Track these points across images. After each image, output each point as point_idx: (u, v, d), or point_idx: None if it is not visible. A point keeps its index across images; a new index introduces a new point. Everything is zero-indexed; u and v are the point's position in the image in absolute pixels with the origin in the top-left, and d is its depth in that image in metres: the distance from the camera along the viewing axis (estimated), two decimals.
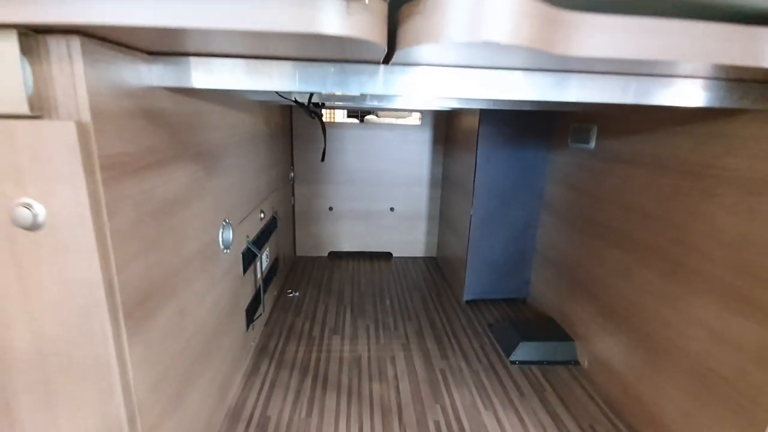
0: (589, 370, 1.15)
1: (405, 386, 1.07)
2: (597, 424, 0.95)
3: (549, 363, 1.20)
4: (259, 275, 1.21)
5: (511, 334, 1.26)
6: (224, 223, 0.89)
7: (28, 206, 0.44)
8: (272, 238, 1.41)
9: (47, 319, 0.47)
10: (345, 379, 1.09)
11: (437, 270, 1.90)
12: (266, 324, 1.36)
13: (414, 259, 2.03)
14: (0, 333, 0.47)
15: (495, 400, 1.03)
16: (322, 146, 1.85)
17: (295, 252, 2.00)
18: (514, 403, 1.02)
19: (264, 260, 1.29)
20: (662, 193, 0.89)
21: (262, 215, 1.27)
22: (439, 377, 1.12)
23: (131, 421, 0.52)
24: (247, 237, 1.09)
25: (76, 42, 0.42)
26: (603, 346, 1.08)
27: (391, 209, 1.97)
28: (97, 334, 0.48)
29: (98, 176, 0.46)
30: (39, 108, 0.43)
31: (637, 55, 0.44)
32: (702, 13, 0.53)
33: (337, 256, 2.02)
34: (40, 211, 0.44)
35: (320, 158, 1.89)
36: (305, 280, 1.73)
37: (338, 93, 0.58)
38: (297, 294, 1.59)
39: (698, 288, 0.79)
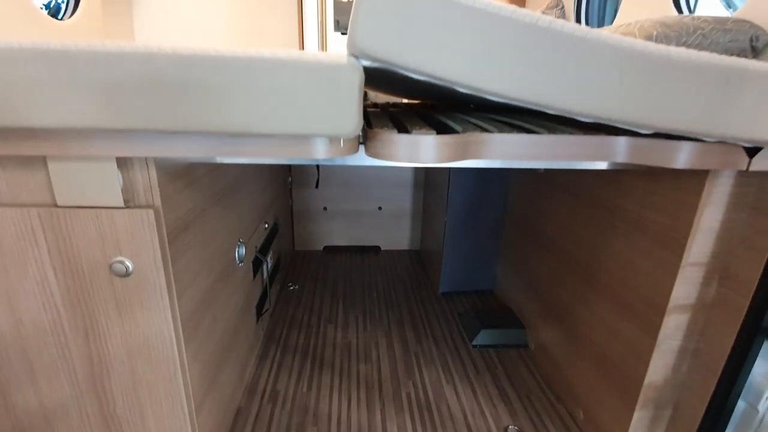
0: (534, 352, 1.42)
1: (385, 366, 1.34)
2: (532, 395, 1.23)
3: (504, 346, 1.47)
4: (265, 275, 1.46)
5: (475, 322, 1.52)
6: (239, 242, 1.13)
7: (122, 262, 0.67)
8: (275, 242, 1.65)
9: (135, 331, 0.71)
10: (337, 361, 1.36)
11: (419, 262, 2.15)
12: (272, 315, 1.62)
13: (399, 252, 2.28)
14: (102, 341, 0.72)
15: (456, 377, 1.30)
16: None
17: (293, 246, 2.24)
18: (471, 379, 1.29)
19: (269, 263, 1.53)
20: (584, 218, 1.13)
21: (266, 225, 1.50)
22: (413, 359, 1.38)
23: (188, 397, 0.77)
24: (256, 247, 1.33)
25: (151, 158, 0.64)
26: (545, 335, 1.35)
27: (379, 208, 2.21)
28: (166, 339, 0.72)
29: (165, 238, 0.69)
30: (128, 200, 0.66)
31: (527, 159, 0.67)
32: (566, 124, 0.76)
33: (331, 250, 2.27)
34: (130, 265, 0.67)
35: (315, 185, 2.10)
36: (303, 274, 1.98)
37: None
38: (296, 287, 1.84)
39: (603, 295, 1.04)
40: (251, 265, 1.27)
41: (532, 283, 1.44)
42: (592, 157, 0.69)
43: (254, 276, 1.31)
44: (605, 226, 1.04)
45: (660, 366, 0.88)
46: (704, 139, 0.62)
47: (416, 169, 2.14)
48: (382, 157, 0.62)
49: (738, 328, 0.79)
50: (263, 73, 0.52)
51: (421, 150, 0.61)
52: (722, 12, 1.46)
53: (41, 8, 1.44)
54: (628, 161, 0.69)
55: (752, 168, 0.67)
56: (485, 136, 0.66)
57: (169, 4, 1.96)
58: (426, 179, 2.10)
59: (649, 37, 0.88)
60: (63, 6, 1.56)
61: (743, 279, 0.78)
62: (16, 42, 0.50)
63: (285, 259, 1.95)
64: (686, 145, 0.65)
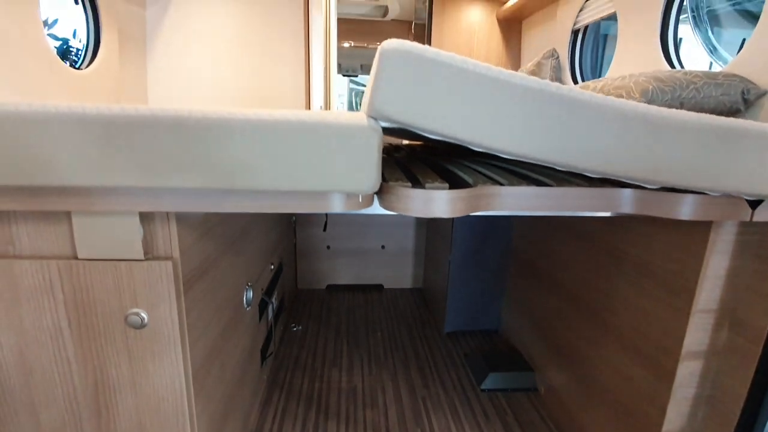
0: (544, 397, 1.39)
1: (392, 412, 1.31)
2: None
3: (513, 390, 1.44)
4: (270, 317, 1.45)
5: (483, 365, 1.50)
6: (247, 286, 1.13)
7: (137, 314, 0.67)
8: (279, 283, 1.64)
9: (145, 383, 0.71)
10: (343, 407, 1.32)
11: (422, 300, 2.13)
12: (275, 358, 1.59)
13: (402, 290, 2.27)
14: (112, 395, 0.71)
15: (465, 424, 1.26)
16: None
17: (296, 285, 2.23)
18: (481, 426, 1.25)
19: (274, 304, 1.52)
20: (589, 260, 1.14)
21: (272, 266, 1.50)
22: (421, 404, 1.35)
23: None
24: (262, 289, 1.32)
25: (173, 212, 0.66)
26: (554, 378, 1.32)
27: (382, 247, 2.21)
28: (177, 392, 0.71)
29: (181, 289, 0.69)
30: (148, 252, 0.67)
31: (535, 210, 0.69)
32: (575, 176, 0.79)
33: (334, 288, 2.26)
34: (145, 316, 0.68)
35: (322, 228, 2.12)
36: (306, 313, 1.96)
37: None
38: (300, 327, 1.82)
39: (613, 339, 1.04)
40: (257, 307, 1.27)
41: (538, 323, 1.43)
42: (598, 208, 0.71)
43: (260, 318, 1.30)
44: (611, 269, 1.05)
45: (676, 414, 0.87)
46: (708, 192, 0.65)
47: None
48: (397, 210, 0.64)
49: (752, 375, 0.79)
50: (288, 134, 0.55)
51: (435, 204, 0.63)
52: (705, 55, 1.54)
53: (53, 48, 1.50)
54: (634, 212, 0.71)
55: (755, 219, 0.69)
56: (496, 189, 0.68)
57: (181, 50, 2.05)
58: (429, 219, 2.13)
59: (645, 92, 0.92)
60: (82, 55, 1.63)
61: (753, 326, 0.78)
62: (52, 105, 0.53)
63: (288, 299, 1.94)
64: (690, 198, 0.67)
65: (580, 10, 1.82)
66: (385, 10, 3.71)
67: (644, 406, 0.92)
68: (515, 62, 2.22)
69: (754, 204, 0.69)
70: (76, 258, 0.66)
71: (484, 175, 0.76)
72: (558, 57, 1.83)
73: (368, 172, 0.57)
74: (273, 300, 1.50)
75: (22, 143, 0.53)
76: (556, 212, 0.72)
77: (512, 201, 0.69)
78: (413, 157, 1.07)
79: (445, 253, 1.77)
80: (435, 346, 1.71)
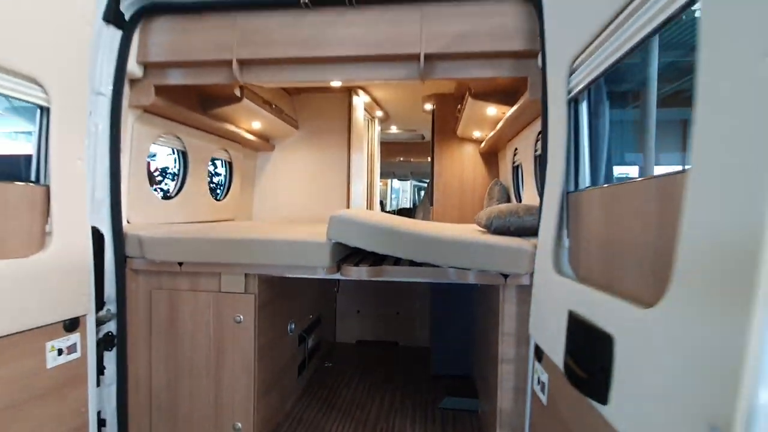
0: (480, 416, 2.01)
1: (379, 417, 2.04)
2: None
3: (461, 410, 2.07)
4: (307, 349, 2.32)
5: (443, 391, 2.17)
6: (291, 321, 2.05)
7: (239, 317, 1.62)
8: (317, 329, 2.53)
9: (238, 353, 1.64)
10: (349, 410, 2.09)
11: (426, 353, 2.84)
12: (310, 378, 2.42)
13: (411, 347, 2.99)
14: (222, 360, 1.65)
15: (420, 426, 1.94)
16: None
17: (335, 338, 3.08)
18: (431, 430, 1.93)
19: (309, 341, 2.40)
20: (479, 319, 1.88)
21: (311, 317, 2.42)
22: (394, 412, 2.06)
23: (255, 386, 1.64)
24: (302, 328, 2.23)
25: (254, 273, 1.65)
26: (483, 403, 1.97)
27: (397, 313, 3.02)
28: (249, 356, 1.62)
29: (257, 307, 1.64)
30: (245, 290, 1.65)
31: (412, 277, 1.56)
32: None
33: (362, 342, 3.07)
34: (242, 317, 1.63)
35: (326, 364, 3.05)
36: (338, 359, 2.78)
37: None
38: (331, 364, 2.64)
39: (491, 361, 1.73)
40: (297, 338, 2.16)
41: (478, 365, 2.10)
42: (440, 277, 1.55)
43: (299, 345, 2.19)
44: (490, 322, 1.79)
45: (504, 399, 1.54)
46: (482, 270, 1.45)
47: (422, 284, 2.99)
48: (345, 275, 1.56)
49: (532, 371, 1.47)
50: (285, 246, 1.52)
51: (360, 273, 1.53)
52: None
53: (156, 192, 2.75)
54: (456, 280, 1.53)
55: (508, 283, 1.47)
56: (390, 267, 1.56)
57: (273, 182, 3.25)
58: (432, 293, 2.92)
59: (490, 217, 1.74)
60: (222, 192, 2.90)
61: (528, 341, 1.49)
62: (213, 231, 1.58)
63: (326, 346, 2.80)
64: (473, 273, 1.48)
65: (514, 155, 2.70)
66: (422, 136, 4.99)
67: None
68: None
69: (506, 276, 1.47)
70: (220, 291, 1.65)
71: (392, 258, 1.65)
72: (501, 184, 2.70)
73: (329, 260, 1.51)
74: (310, 339, 2.38)
75: (203, 248, 1.58)
76: (422, 279, 1.57)
77: (399, 273, 1.56)
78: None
79: (426, 315, 2.54)
80: (421, 379, 2.41)
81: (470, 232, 1.67)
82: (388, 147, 5.24)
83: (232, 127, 2.57)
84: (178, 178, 2.46)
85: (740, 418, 0.43)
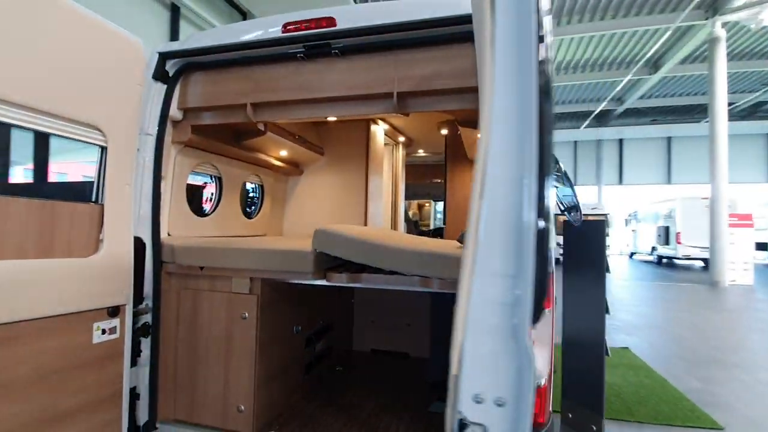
0: None
1: (373, 414, 2.24)
2: None
3: None
4: (315, 351, 2.60)
5: (434, 395, 2.32)
6: (296, 323, 2.34)
7: (244, 313, 1.95)
8: (327, 335, 2.80)
9: (243, 339, 1.96)
10: (347, 402, 2.32)
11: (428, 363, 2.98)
12: (320, 379, 2.68)
13: (418, 358, 3.15)
14: (236, 345, 1.98)
15: (412, 426, 2.12)
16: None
17: (352, 346, 3.33)
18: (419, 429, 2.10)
19: (317, 345, 2.66)
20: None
21: (321, 322, 2.70)
22: (392, 414, 2.25)
23: (256, 370, 1.94)
24: (309, 330, 2.51)
25: (258, 277, 1.97)
26: None
27: (408, 324, 3.21)
28: (251, 345, 1.94)
29: (260, 306, 1.96)
30: (250, 291, 1.98)
31: (379, 284, 1.79)
32: None
33: (375, 351, 3.28)
34: (247, 314, 1.95)
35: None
36: (354, 366, 3.02)
37: None
38: (342, 369, 2.89)
39: None
40: (305, 340, 2.45)
41: None
42: (407, 285, 1.77)
43: (306, 347, 2.47)
44: None
45: None
46: (442, 278, 1.66)
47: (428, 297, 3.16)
48: (329, 280, 1.83)
49: None
50: (293, 256, 1.82)
51: (343, 279, 1.80)
52: None
53: (246, 211, 3.19)
54: (420, 288, 1.74)
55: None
56: (367, 275, 1.81)
57: (301, 202, 3.64)
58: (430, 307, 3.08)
59: (462, 231, 1.93)
60: (255, 210, 3.34)
61: None
62: (227, 242, 1.93)
63: (340, 352, 3.05)
64: (436, 280, 1.68)
65: None
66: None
67: None
68: None
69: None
70: (231, 292, 1.99)
71: (372, 268, 1.89)
72: None
73: (313, 267, 1.80)
74: (319, 343, 2.66)
75: (218, 256, 1.94)
76: (391, 287, 1.80)
77: (374, 280, 1.80)
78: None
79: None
80: (420, 386, 2.57)
81: (446, 246, 1.87)
82: (420, 169, 5.51)
83: (262, 156, 3.00)
84: (214, 199, 2.92)
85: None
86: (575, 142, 21.79)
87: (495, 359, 0.62)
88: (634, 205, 19.47)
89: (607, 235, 15.54)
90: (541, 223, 0.65)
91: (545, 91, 0.65)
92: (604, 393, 2.96)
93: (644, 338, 5.58)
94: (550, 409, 1.57)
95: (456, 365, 0.62)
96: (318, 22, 1.84)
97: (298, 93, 1.99)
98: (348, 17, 1.82)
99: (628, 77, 12.92)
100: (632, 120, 18.66)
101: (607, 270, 3.11)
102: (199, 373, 2.02)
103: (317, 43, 1.87)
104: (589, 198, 20.29)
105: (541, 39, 0.64)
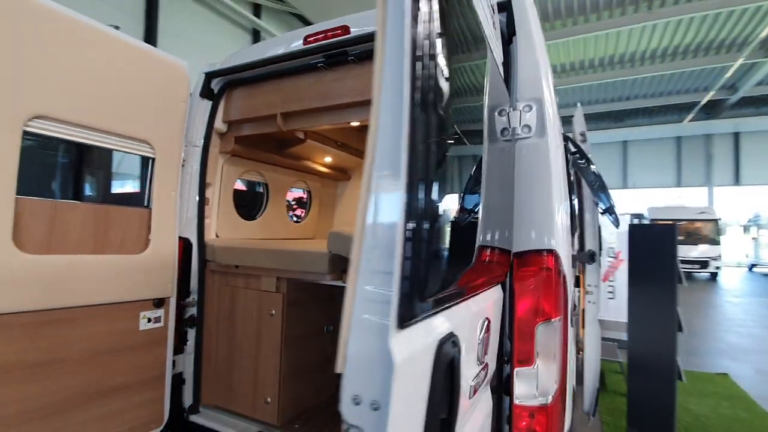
0: None
1: None
2: None
3: None
4: None
5: None
6: (327, 322, 2.41)
7: (272, 310, 2.07)
8: None
9: (270, 335, 2.08)
10: None
11: None
12: None
13: None
14: (264, 341, 2.11)
15: None
16: None
17: None
18: None
19: None
20: None
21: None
22: None
23: (280, 363, 2.04)
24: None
25: (284, 277, 2.08)
26: None
27: None
28: (277, 343, 2.04)
29: (285, 304, 2.06)
30: (277, 290, 2.10)
31: None
32: None
33: None
34: (274, 311, 2.07)
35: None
36: None
37: None
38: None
39: None
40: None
41: None
42: None
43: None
44: None
45: None
46: None
47: None
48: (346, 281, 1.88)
49: None
50: (309, 256, 1.90)
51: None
52: None
53: (291, 218, 3.39)
54: None
55: None
56: None
57: (347, 210, 3.74)
58: None
59: None
60: (303, 215, 3.53)
61: None
62: (259, 244, 2.07)
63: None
64: None
65: None
66: None
67: None
68: None
69: None
70: (261, 290, 2.13)
71: None
72: None
73: (328, 267, 1.86)
74: None
75: (249, 256, 2.08)
76: None
77: None
78: None
79: None
80: None
81: None
82: None
83: (307, 163, 3.17)
84: (262, 204, 3.15)
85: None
86: (678, 138, 19.27)
87: (371, 360, 0.60)
88: (755, 208, 16.60)
89: (718, 243, 13.46)
90: (410, 225, 0.67)
91: (424, 102, 0.70)
92: (675, 423, 2.58)
93: (752, 365, 4.74)
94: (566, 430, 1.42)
95: (341, 363, 0.61)
96: (334, 31, 1.91)
97: (321, 101, 2.07)
98: (361, 24, 1.86)
99: (740, 61, 11.12)
100: (751, 110, 15.93)
101: (680, 281, 2.72)
102: (234, 363, 2.18)
103: (334, 52, 1.93)
104: (697, 200, 17.76)
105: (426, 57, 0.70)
